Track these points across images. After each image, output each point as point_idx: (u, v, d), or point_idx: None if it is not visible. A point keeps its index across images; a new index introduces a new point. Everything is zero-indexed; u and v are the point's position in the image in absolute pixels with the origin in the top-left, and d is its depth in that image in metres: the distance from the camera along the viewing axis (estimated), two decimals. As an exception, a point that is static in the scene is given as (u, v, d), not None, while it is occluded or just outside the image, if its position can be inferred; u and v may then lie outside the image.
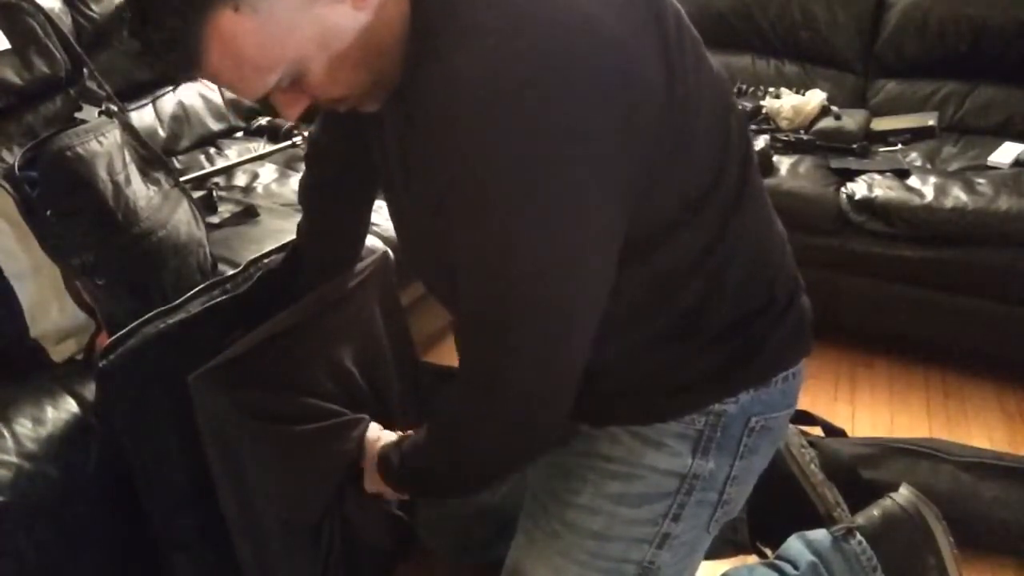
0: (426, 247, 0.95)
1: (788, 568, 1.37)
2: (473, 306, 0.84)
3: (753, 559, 1.53)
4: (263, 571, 1.24)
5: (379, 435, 1.16)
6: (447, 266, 0.85)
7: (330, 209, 1.22)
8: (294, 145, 2.35)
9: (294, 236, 1.29)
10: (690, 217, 0.89)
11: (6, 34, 1.43)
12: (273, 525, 1.23)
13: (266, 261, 1.34)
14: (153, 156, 1.57)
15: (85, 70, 1.54)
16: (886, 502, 1.47)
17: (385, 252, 1.40)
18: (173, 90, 2.34)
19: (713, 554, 1.50)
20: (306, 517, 1.24)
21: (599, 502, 1.02)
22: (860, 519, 1.44)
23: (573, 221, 0.77)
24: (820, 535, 1.40)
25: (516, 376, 0.84)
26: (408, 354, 1.50)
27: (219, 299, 1.24)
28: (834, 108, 2.52)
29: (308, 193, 1.24)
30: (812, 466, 1.55)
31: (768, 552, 1.50)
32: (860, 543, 1.38)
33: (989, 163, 2.34)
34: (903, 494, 1.47)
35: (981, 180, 2.19)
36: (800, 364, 1.03)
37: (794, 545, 1.40)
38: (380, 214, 1.99)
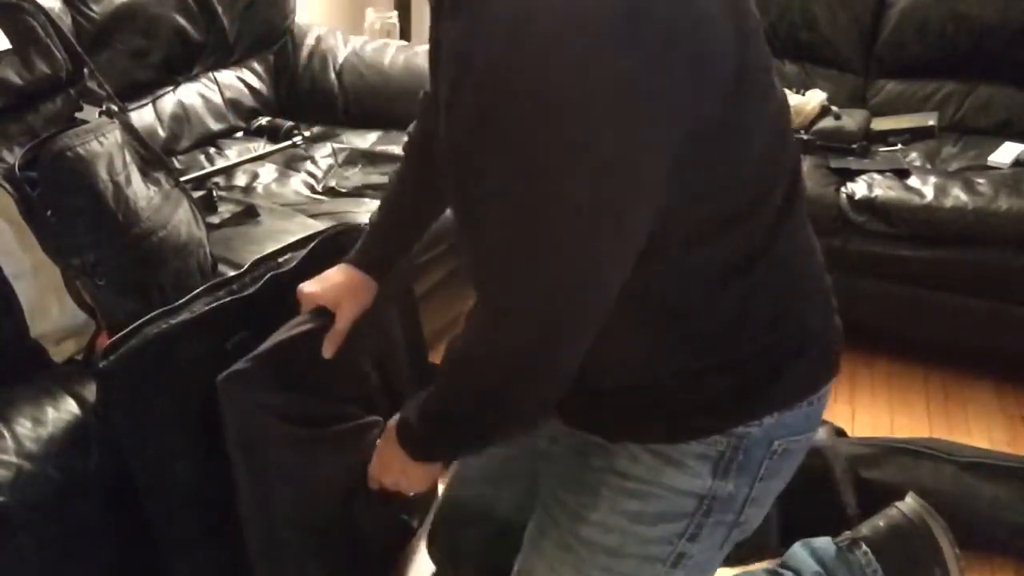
0: (458, 173, 0.92)
1: (791, 577, 1.36)
2: (500, 208, 0.82)
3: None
4: (273, 572, 1.24)
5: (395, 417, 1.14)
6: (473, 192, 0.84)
7: (411, 192, 1.23)
8: (294, 145, 2.35)
9: (295, 236, 1.29)
10: (733, 224, 0.88)
11: (6, 34, 1.43)
12: (287, 527, 1.23)
13: (279, 261, 1.33)
14: (153, 156, 1.57)
15: (85, 70, 1.54)
16: (892, 512, 1.46)
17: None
18: (173, 90, 2.34)
19: (740, 560, 1.48)
20: (318, 520, 1.24)
21: (614, 519, 1.01)
22: (865, 529, 1.44)
23: (615, 122, 0.76)
24: (825, 543, 1.40)
25: (535, 280, 0.82)
26: (421, 355, 1.50)
27: (224, 300, 1.23)
28: (834, 108, 2.52)
29: (397, 179, 1.26)
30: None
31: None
32: (865, 554, 1.37)
33: (989, 163, 2.34)
34: (909, 504, 1.46)
35: (981, 180, 2.19)
36: (827, 387, 1.02)
37: (798, 553, 1.39)
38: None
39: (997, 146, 2.40)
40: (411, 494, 1.16)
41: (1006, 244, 2.09)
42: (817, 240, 1.04)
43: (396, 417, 1.09)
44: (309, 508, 1.23)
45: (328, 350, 1.19)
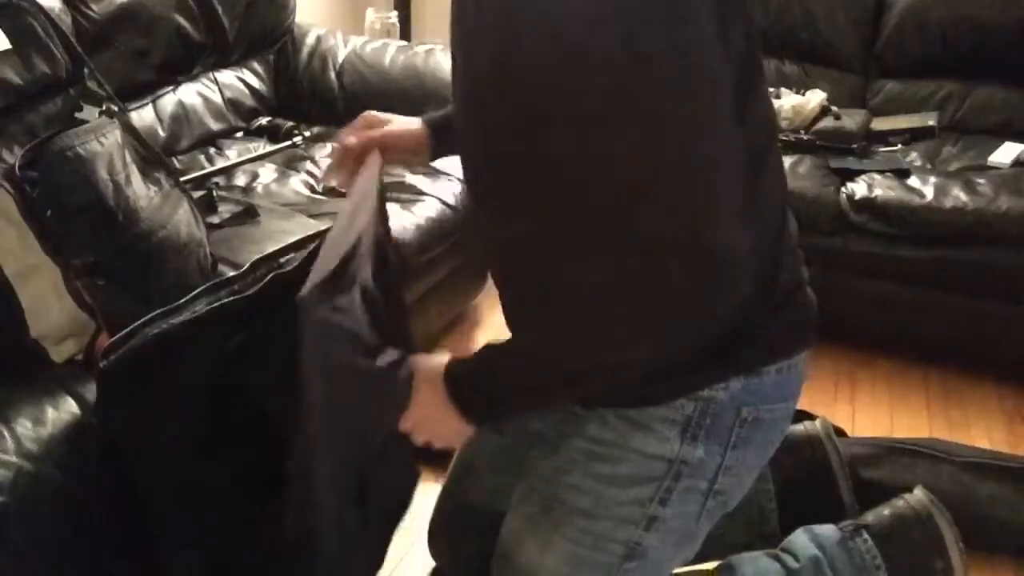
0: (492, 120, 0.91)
1: (789, 560, 1.37)
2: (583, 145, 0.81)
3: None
4: (342, 533, 1.16)
5: (429, 359, 1.04)
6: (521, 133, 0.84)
7: None
8: (294, 145, 2.35)
9: (295, 236, 1.29)
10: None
11: (6, 34, 1.43)
12: (345, 468, 1.13)
13: (280, 261, 1.32)
14: (153, 156, 1.57)
15: (86, 70, 1.54)
16: (898, 503, 1.47)
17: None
18: (173, 90, 2.34)
19: (742, 547, 1.48)
20: (362, 463, 1.17)
21: (588, 482, 1.03)
22: (870, 517, 1.44)
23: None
24: (828, 530, 1.40)
25: (663, 224, 0.80)
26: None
27: (225, 300, 1.23)
28: (834, 108, 2.52)
29: None
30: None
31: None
32: (866, 541, 1.38)
33: (989, 163, 2.35)
34: (916, 496, 1.47)
35: (981, 180, 2.20)
36: (798, 358, 1.02)
37: (799, 538, 1.40)
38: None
39: (997, 146, 2.40)
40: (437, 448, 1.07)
41: (1006, 244, 2.09)
42: (791, 210, 1.05)
43: (435, 364, 1.01)
44: (360, 448, 1.14)
45: (350, 144, 1.22)
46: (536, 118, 0.84)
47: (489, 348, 1.00)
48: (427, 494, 1.42)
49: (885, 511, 1.45)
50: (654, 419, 0.99)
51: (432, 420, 1.02)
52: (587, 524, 1.04)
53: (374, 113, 1.25)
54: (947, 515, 1.45)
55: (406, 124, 1.24)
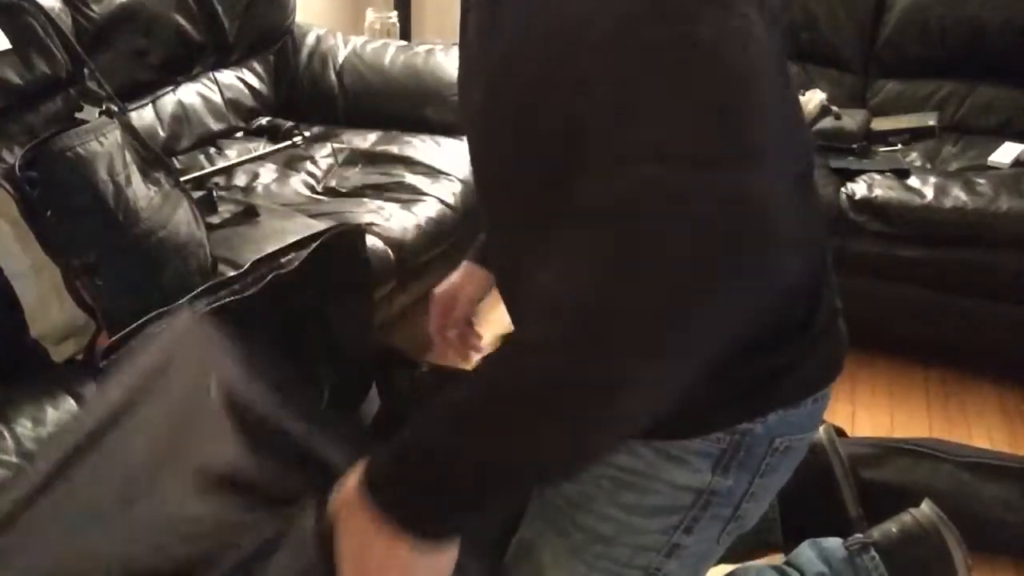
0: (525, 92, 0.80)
1: (794, 575, 1.36)
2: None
3: (780, 558, 1.51)
4: None
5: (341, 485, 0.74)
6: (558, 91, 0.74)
7: None
8: (294, 145, 2.35)
9: (295, 236, 1.29)
10: None
11: (6, 34, 1.43)
12: None
13: (281, 261, 1.33)
14: (153, 156, 1.57)
15: (85, 70, 1.54)
16: (905, 518, 1.45)
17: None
18: (173, 90, 2.34)
19: (745, 555, 1.48)
20: None
21: (611, 511, 1.01)
22: (876, 534, 1.43)
23: None
24: (834, 545, 1.39)
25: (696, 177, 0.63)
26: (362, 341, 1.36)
27: (224, 300, 1.23)
28: (834, 108, 2.52)
29: None
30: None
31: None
32: (873, 558, 1.36)
33: (989, 163, 2.34)
34: (924, 511, 1.45)
35: (981, 180, 2.19)
36: (830, 386, 1.01)
37: (805, 552, 1.39)
38: (379, 214, 2.00)
39: (997, 146, 2.40)
40: None
41: (1006, 244, 2.09)
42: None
43: (348, 483, 0.71)
44: None
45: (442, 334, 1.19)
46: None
47: (411, 421, 0.72)
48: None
49: (893, 528, 1.43)
50: (688, 452, 0.97)
51: (375, 563, 0.69)
52: (606, 550, 1.02)
53: (440, 291, 1.23)
54: (955, 532, 1.43)
55: (469, 278, 1.22)
